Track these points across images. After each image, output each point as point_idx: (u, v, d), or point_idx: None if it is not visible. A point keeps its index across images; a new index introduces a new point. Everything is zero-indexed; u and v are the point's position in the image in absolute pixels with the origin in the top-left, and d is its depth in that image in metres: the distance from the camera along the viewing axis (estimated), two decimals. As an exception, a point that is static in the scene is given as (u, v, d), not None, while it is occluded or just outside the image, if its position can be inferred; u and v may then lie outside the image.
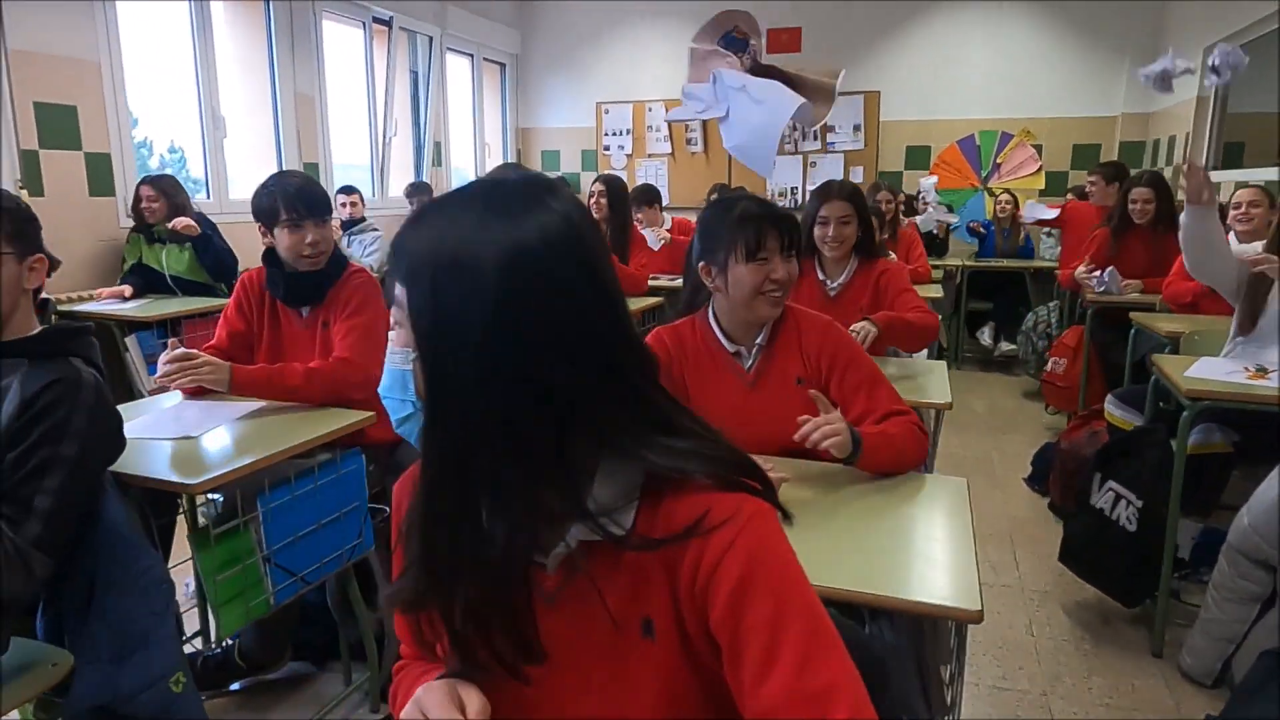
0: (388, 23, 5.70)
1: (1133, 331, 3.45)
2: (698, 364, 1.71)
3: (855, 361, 1.65)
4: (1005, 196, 6.06)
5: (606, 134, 7.40)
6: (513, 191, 0.73)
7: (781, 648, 0.66)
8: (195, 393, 2.07)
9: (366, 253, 4.98)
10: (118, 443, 1.48)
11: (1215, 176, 4.64)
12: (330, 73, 5.32)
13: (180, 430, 1.76)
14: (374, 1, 5.50)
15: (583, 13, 7.22)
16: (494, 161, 7.45)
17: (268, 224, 2.16)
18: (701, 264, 1.66)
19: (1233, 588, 2.08)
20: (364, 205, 5.15)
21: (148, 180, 3.76)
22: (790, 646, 0.66)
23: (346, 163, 5.64)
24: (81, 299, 3.67)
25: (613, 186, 3.95)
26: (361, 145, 5.83)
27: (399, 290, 0.73)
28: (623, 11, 7.12)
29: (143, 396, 3.37)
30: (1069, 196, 5.56)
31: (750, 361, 1.70)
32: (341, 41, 5.53)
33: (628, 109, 7.28)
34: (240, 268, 3.87)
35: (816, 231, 2.56)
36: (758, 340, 1.69)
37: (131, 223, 3.89)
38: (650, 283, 4.11)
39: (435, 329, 0.70)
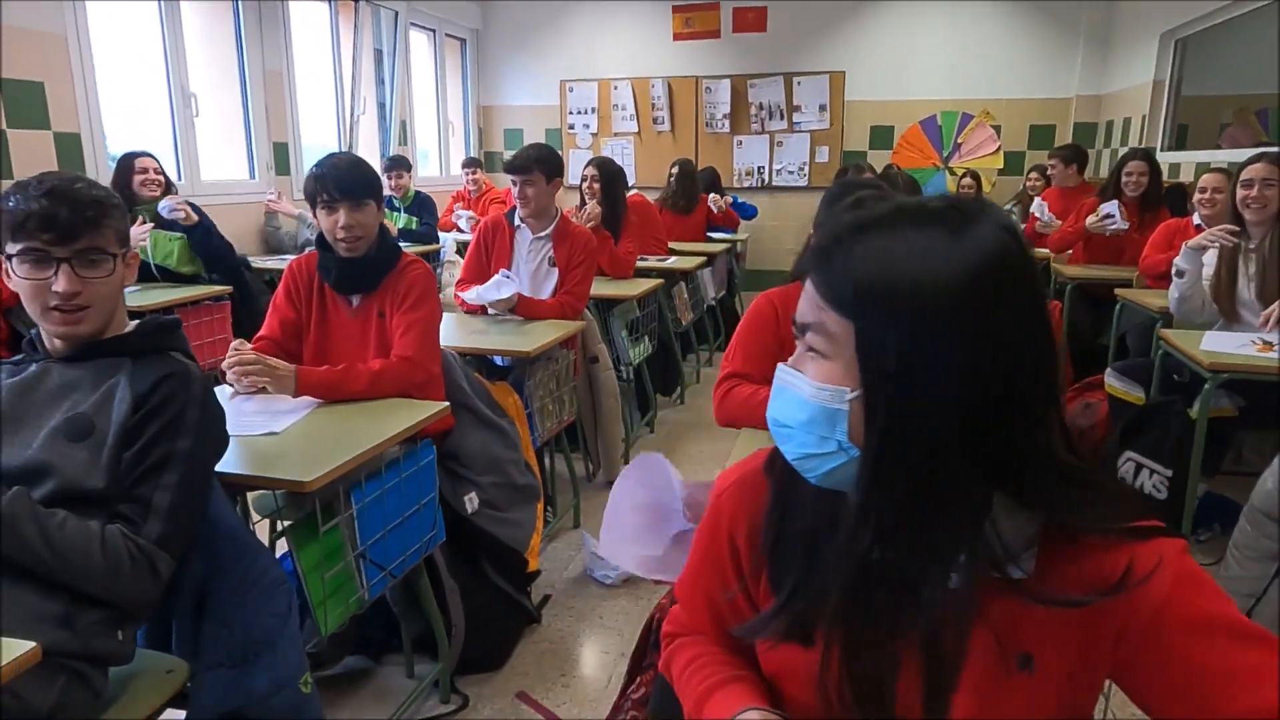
0: (353, -3, 5.51)
1: (1118, 307, 3.62)
2: None
3: None
4: (968, 180, 6.23)
5: (571, 112, 7.33)
6: (949, 212, 0.69)
7: (1253, 668, 0.67)
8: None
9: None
10: (225, 438, 1.43)
11: (1173, 158, 4.89)
12: (296, 50, 5.13)
13: (263, 427, 1.71)
14: (339, -26, 5.32)
15: (545, -12, 7.11)
16: (458, 140, 7.30)
17: (311, 205, 2.10)
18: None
19: (1255, 546, 2.23)
20: None
21: (148, 153, 3.58)
22: (1258, 666, 0.67)
23: (314, 143, 5.46)
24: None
25: (605, 170, 3.93)
26: (327, 125, 5.65)
27: (831, 319, 0.68)
28: (585, -13, 7.04)
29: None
30: (1031, 175, 5.75)
31: None
32: (306, 18, 5.33)
33: (593, 87, 7.21)
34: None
35: None
36: None
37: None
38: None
39: (904, 365, 0.65)
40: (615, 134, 7.25)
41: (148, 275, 3.65)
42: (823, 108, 6.83)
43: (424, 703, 2.04)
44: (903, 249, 0.67)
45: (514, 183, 3.01)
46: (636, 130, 7.19)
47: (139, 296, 3.34)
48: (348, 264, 2.09)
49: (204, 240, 3.62)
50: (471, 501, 2.21)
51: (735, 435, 3.60)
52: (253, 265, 4.07)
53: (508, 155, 7.50)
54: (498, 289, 2.91)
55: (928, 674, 0.72)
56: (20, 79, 3.46)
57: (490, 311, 2.97)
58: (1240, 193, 3.11)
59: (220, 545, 1.41)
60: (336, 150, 5.55)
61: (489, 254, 3.14)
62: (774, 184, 7.04)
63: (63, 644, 1.15)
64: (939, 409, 0.65)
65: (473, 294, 2.97)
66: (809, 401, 0.70)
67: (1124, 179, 4.18)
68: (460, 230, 5.88)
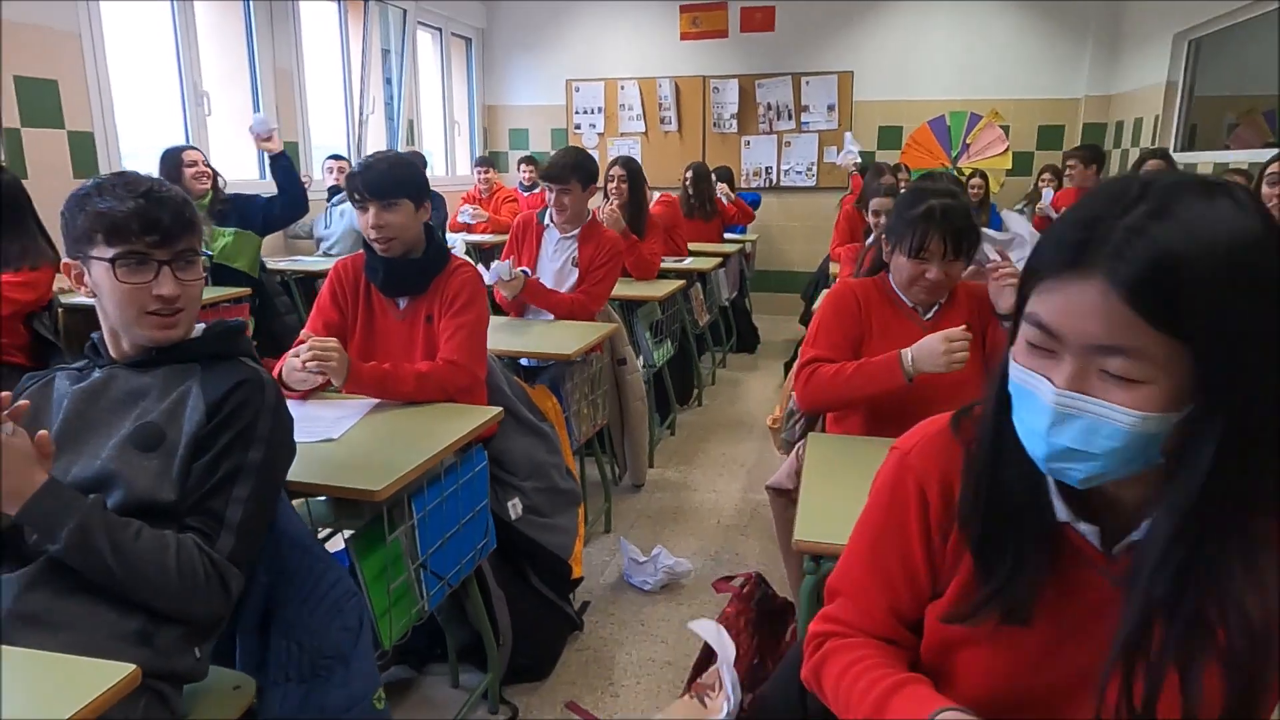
0: (362, -6, 5.45)
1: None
2: (881, 312, 1.86)
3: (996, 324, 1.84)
4: (976, 180, 6.22)
5: (577, 112, 7.28)
6: (1214, 185, 0.66)
7: None
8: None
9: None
10: (293, 447, 1.39)
11: (1188, 158, 4.89)
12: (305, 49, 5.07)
13: (320, 433, 1.66)
14: (348, -28, 5.26)
15: (550, -13, 7.06)
16: (463, 140, 7.25)
17: (354, 204, 2.06)
18: (884, 236, 1.84)
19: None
20: None
21: (193, 146, 3.55)
22: None
23: (322, 143, 5.39)
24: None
25: (632, 169, 3.90)
26: (336, 124, 5.58)
27: (1153, 340, 0.63)
28: (592, -14, 7.00)
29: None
30: (1044, 176, 5.75)
31: (929, 314, 1.86)
32: (314, 17, 5.26)
33: (599, 86, 7.17)
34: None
35: None
36: (939, 300, 1.86)
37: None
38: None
39: (1256, 376, 0.62)
40: (622, 134, 7.21)
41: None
42: (831, 108, 6.81)
43: (472, 713, 2.00)
44: (1223, 239, 0.62)
45: (549, 189, 2.97)
46: (643, 130, 7.15)
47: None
48: (396, 265, 2.04)
49: (288, 168, 3.77)
50: (515, 508, 2.17)
51: (756, 437, 3.49)
52: (268, 266, 4.02)
53: (513, 155, 7.46)
54: (503, 271, 2.84)
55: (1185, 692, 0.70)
56: (34, 77, 3.40)
57: (503, 294, 2.89)
58: (1265, 190, 3.10)
59: (287, 556, 1.36)
60: (344, 149, 5.53)
61: (519, 251, 3.12)
62: (782, 184, 7.01)
63: (146, 663, 1.10)
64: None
65: (494, 268, 2.91)
66: (1127, 431, 0.66)
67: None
68: (469, 229, 5.84)
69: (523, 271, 2.89)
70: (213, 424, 1.26)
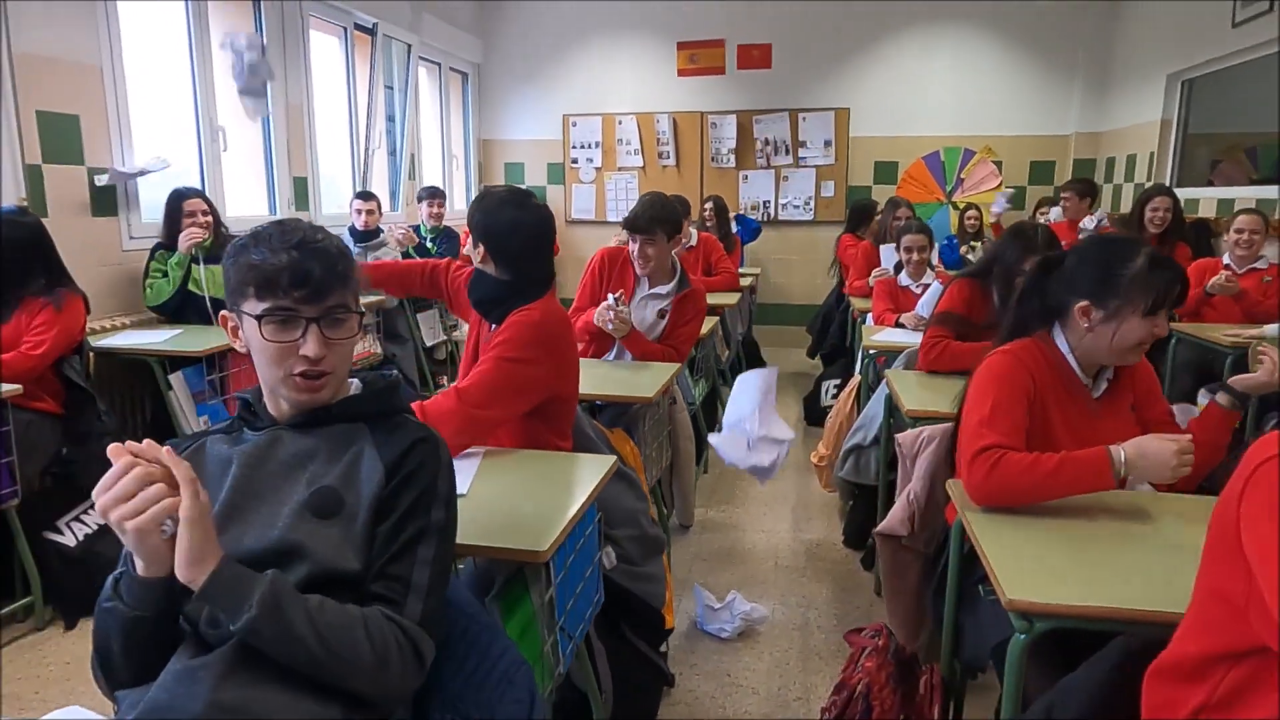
0: (369, 30, 5.40)
1: (1174, 341, 3.67)
2: (1053, 387, 1.67)
3: (1156, 393, 1.74)
4: (972, 213, 6.34)
5: (574, 146, 7.28)
6: None
7: None
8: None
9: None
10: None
11: (1195, 194, 5.03)
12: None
13: (450, 488, 1.58)
14: (355, 4, 5.20)
15: (548, 20, 7.08)
16: (459, 174, 7.19)
17: None
18: (1084, 304, 1.62)
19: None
20: (380, 214, 4.83)
21: (198, 193, 3.43)
22: None
23: (327, 176, 5.29)
24: (105, 330, 3.28)
25: (719, 205, 4.13)
26: (341, 159, 5.49)
27: None
28: (588, 21, 7.03)
29: (190, 439, 3.04)
30: (1044, 210, 5.88)
31: (1099, 390, 1.72)
32: (320, 52, 5.19)
33: (596, 121, 7.18)
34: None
35: None
36: (1106, 375, 1.72)
37: (151, 243, 3.55)
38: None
39: None
40: (620, 168, 7.22)
41: (198, 315, 3.48)
42: (828, 143, 6.90)
43: (577, 777, 1.91)
44: None
45: (632, 239, 2.93)
46: (641, 165, 7.17)
47: (186, 341, 3.15)
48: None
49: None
50: (609, 556, 2.10)
51: (791, 473, 3.40)
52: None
53: (508, 189, 7.41)
54: (610, 308, 2.83)
55: None
56: (56, 111, 3.27)
57: (611, 328, 2.85)
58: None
59: (452, 625, 1.28)
60: (349, 184, 5.43)
61: (604, 283, 3.07)
62: (780, 218, 7.07)
63: (346, 753, 1.02)
64: None
65: (599, 311, 2.89)
66: None
67: (1148, 214, 4.28)
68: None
69: (619, 307, 2.83)
70: (392, 485, 1.18)
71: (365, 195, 4.75)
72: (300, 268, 1.14)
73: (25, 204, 3.12)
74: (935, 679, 1.69)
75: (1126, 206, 5.91)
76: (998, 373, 1.65)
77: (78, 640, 2.51)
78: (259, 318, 1.15)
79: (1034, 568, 1.28)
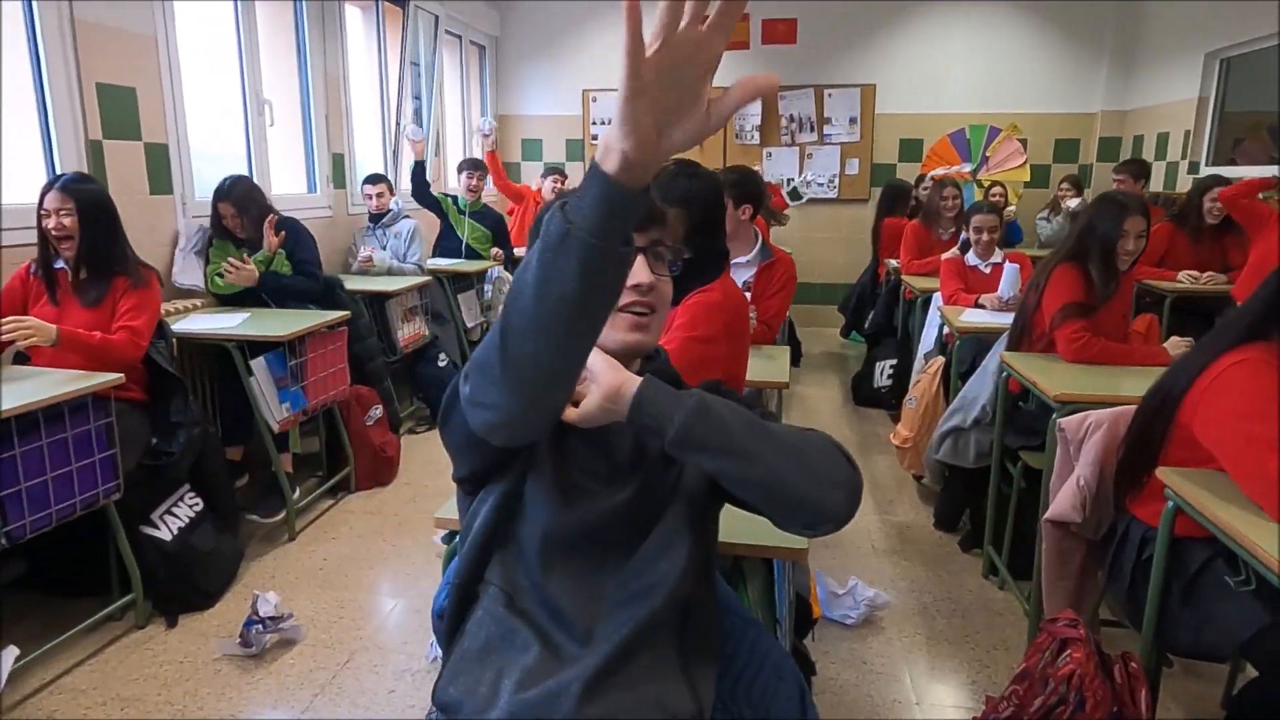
0: (398, 2, 5.22)
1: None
2: None
3: None
4: (997, 189, 6.33)
5: (595, 122, 7.15)
6: None
7: None
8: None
9: (410, 251, 4.53)
10: None
11: (1231, 172, 5.06)
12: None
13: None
14: (386, -24, 5.03)
15: (566, -5, 6.92)
16: (478, 151, 7.02)
17: None
18: None
19: None
20: (391, 195, 4.68)
21: (223, 198, 3.29)
22: None
23: (358, 154, 5.13)
24: (171, 314, 3.15)
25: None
26: (367, 137, 5.32)
27: None
28: (608, -5, 6.88)
29: (273, 431, 2.95)
30: (1063, 186, 5.90)
31: None
32: (351, 26, 5.02)
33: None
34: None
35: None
36: None
37: (199, 227, 3.42)
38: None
39: None
40: (641, 145, 7.09)
41: (252, 298, 3.36)
42: (853, 120, 6.85)
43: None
44: None
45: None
46: (664, 141, 7.05)
47: (261, 325, 3.04)
48: None
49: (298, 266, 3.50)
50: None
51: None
52: (346, 286, 3.78)
53: (525, 166, 7.28)
54: None
55: None
56: (114, 84, 3.11)
57: None
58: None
59: (720, 621, 1.24)
60: (380, 160, 5.28)
61: None
62: (804, 195, 7.01)
63: None
64: None
65: None
66: None
67: (1207, 204, 4.27)
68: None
69: None
70: None
71: (375, 178, 4.53)
72: None
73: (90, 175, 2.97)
74: (1132, 668, 1.67)
75: (1157, 185, 5.95)
76: (1261, 377, 1.55)
77: (185, 637, 2.42)
78: None
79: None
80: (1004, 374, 2.64)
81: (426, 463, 3.84)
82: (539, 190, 5.83)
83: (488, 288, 5.31)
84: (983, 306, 3.50)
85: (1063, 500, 1.96)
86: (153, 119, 3.31)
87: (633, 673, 1.01)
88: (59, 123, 2.90)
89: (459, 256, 5.06)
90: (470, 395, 0.93)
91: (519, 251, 5.48)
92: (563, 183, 5.99)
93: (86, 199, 2.51)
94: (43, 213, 2.49)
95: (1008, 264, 3.62)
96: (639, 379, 0.98)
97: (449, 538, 1.45)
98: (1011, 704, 1.81)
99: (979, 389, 2.92)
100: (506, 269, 5.24)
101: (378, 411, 3.61)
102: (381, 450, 3.56)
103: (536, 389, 0.86)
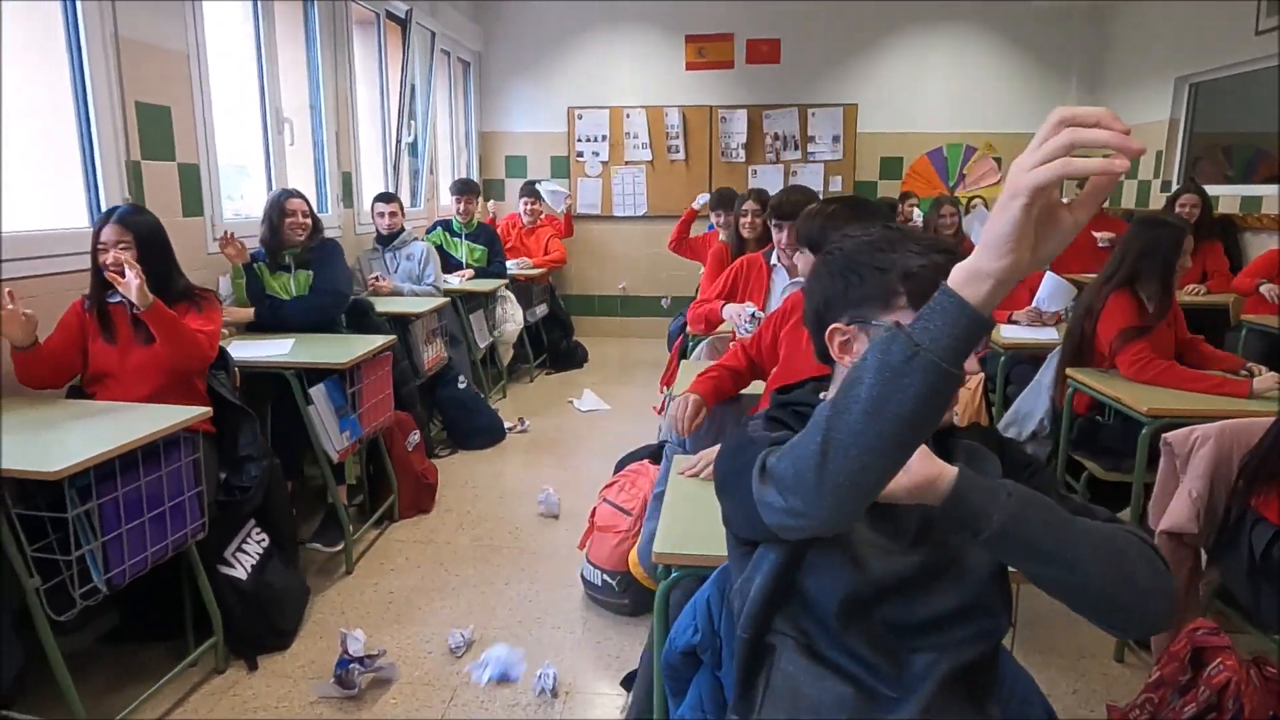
0: (400, 20, 5.14)
1: (1244, 331, 3.91)
2: None
3: None
4: (947, 208, 6.52)
5: (580, 140, 7.14)
6: None
7: None
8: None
9: (424, 274, 4.45)
10: None
11: (1218, 190, 5.35)
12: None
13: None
14: (387, -7, 4.95)
15: (550, 10, 6.91)
16: (466, 168, 6.94)
17: None
18: None
19: None
20: (403, 215, 4.59)
21: (298, 193, 3.19)
22: None
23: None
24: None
25: (762, 200, 3.88)
26: (367, 155, 5.21)
27: None
28: (592, 13, 6.90)
29: (332, 461, 2.87)
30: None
31: None
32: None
33: (603, 114, 7.06)
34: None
35: None
36: None
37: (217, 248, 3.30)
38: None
39: None
40: (627, 162, 7.13)
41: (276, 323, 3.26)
42: (836, 139, 7.01)
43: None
44: None
45: (777, 227, 2.89)
46: (650, 159, 7.10)
47: (315, 352, 2.94)
48: None
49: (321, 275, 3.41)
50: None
51: None
52: (376, 308, 3.70)
53: (509, 183, 7.23)
54: (748, 319, 2.84)
55: None
56: (151, 103, 2.99)
57: (741, 329, 2.86)
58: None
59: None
60: (381, 179, 5.17)
61: (739, 289, 3.05)
62: (788, 213, 7.13)
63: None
64: None
65: (732, 309, 2.95)
66: None
67: (1178, 210, 4.54)
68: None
69: (759, 316, 2.80)
70: None
71: (387, 197, 4.44)
72: (947, 270, 0.91)
73: (129, 202, 2.85)
74: (1269, 671, 1.75)
75: (1128, 202, 6.25)
76: None
77: (271, 680, 2.31)
78: None
79: None
80: (1072, 389, 2.73)
81: (461, 488, 3.76)
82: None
83: (494, 306, 5.25)
84: (1016, 322, 3.61)
85: (1177, 512, 2.04)
86: (185, 139, 3.19)
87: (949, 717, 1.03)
88: (102, 143, 2.77)
89: (461, 279, 5.02)
90: (773, 502, 0.92)
91: (510, 265, 5.51)
92: (532, 204, 6.02)
93: (144, 230, 2.41)
94: (100, 246, 2.37)
95: (1049, 274, 3.70)
96: (953, 471, 0.96)
97: (665, 572, 1.44)
98: (1146, 711, 1.88)
99: (1032, 403, 3.02)
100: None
101: (415, 437, 3.53)
102: (423, 476, 3.48)
103: (854, 501, 0.85)
